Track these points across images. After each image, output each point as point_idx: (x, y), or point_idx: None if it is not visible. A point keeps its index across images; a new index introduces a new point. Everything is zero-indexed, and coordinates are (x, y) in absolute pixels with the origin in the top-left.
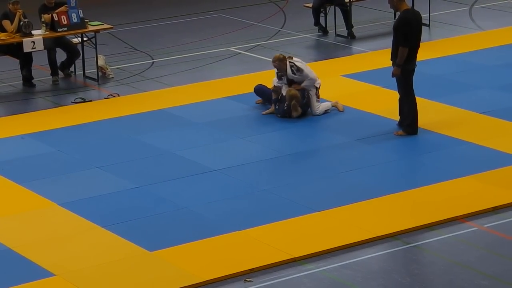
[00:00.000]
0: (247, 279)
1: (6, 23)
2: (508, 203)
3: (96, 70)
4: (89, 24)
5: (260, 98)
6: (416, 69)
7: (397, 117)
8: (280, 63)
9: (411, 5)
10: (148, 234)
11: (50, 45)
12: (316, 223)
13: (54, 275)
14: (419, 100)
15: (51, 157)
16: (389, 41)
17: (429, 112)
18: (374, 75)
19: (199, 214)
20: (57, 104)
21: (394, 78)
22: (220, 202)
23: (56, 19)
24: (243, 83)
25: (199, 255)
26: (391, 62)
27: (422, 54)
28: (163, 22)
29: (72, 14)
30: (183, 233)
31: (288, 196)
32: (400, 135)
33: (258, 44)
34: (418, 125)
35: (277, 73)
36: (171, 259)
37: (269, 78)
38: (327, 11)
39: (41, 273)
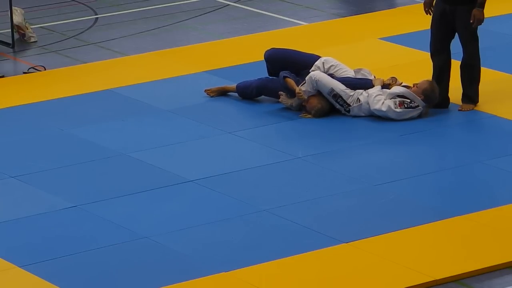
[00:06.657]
0: None
1: None
2: None
3: (10, 30)
4: None
5: None
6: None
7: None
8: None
9: None
10: (90, 278)
11: None
12: (341, 261)
13: None
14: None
15: None
16: None
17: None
18: (427, 38)
19: (167, 247)
20: None
21: (459, 31)
22: (197, 229)
23: None
24: (232, 51)
25: None
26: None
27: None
28: None
29: None
30: (142, 276)
31: (299, 219)
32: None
33: None
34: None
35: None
36: None
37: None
38: None
39: None
